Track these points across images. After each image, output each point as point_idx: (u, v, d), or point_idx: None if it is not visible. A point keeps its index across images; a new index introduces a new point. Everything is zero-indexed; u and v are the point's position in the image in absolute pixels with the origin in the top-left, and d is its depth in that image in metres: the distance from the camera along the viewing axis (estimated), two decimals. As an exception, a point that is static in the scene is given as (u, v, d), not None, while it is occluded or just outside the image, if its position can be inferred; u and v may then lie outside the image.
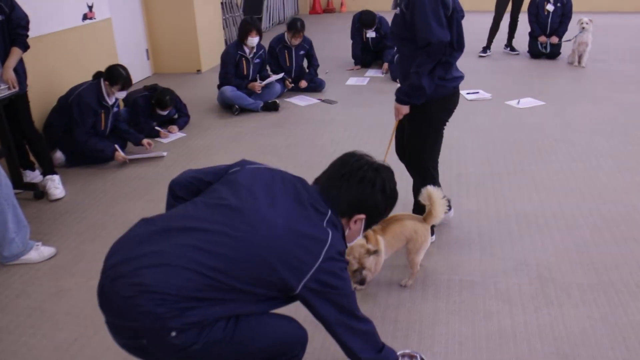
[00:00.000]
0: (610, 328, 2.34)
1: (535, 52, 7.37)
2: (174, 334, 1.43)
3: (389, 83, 6.34)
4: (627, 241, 2.99)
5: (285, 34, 5.85)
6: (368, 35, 6.84)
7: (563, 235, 3.07)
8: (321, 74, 6.41)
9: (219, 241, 1.47)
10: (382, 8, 11.55)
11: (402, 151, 3.04)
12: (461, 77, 2.75)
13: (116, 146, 4.21)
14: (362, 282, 2.38)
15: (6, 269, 2.91)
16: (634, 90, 5.83)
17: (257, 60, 5.57)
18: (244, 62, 5.46)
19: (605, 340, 2.28)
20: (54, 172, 3.80)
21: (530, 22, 7.25)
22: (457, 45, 2.64)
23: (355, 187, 1.63)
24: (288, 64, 5.96)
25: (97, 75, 4.15)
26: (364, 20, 6.68)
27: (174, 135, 4.86)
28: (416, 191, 2.97)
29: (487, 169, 3.95)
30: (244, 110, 5.40)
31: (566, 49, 7.24)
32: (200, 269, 1.44)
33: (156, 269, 1.43)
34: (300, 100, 5.79)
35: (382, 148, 4.32)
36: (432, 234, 2.90)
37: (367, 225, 1.75)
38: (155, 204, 3.56)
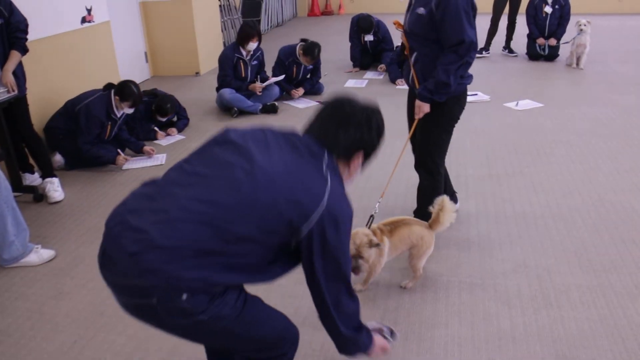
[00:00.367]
0: (609, 330, 2.35)
1: (533, 54, 7.39)
2: (184, 296, 1.40)
3: (387, 85, 6.35)
4: (626, 243, 2.99)
5: (300, 55, 5.75)
6: (366, 39, 6.86)
7: (562, 236, 3.08)
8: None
9: (222, 190, 1.45)
10: (380, 10, 11.62)
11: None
12: (472, 76, 2.82)
13: (118, 150, 4.23)
14: (354, 269, 2.38)
15: (6, 271, 2.92)
16: (632, 92, 5.85)
17: (255, 62, 5.58)
18: (242, 64, 5.46)
19: (604, 341, 2.28)
20: (53, 175, 3.80)
21: (529, 24, 7.28)
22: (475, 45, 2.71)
23: (353, 132, 1.62)
24: (294, 75, 5.95)
25: (108, 87, 4.17)
26: (361, 25, 6.69)
27: (173, 137, 4.86)
28: (421, 189, 3.01)
29: (486, 170, 3.96)
30: (242, 112, 5.40)
31: (564, 50, 7.26)
32: (206, 219, 1.41)
33: (161, 225, 1.41)
34: (299, 103, 5.79)
35: (382, 149, 4.33)
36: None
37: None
38: (155, 207, 3.56)
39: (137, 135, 4.61)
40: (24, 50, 3.53)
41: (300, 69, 5.90)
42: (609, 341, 2.28)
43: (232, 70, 5.44)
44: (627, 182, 3.71)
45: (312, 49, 5.70)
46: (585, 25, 6.73)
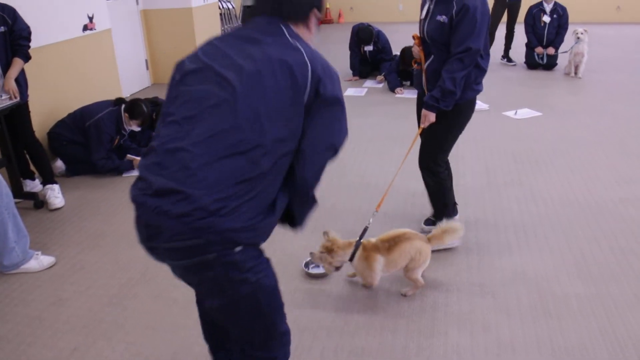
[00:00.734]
0: (608, 340, 2.35)
1: (532, 63, 7.43)
2: (238, 249, 1.47)
3: (387, 94, 6.38)
4: (625, 253, 3.00)
5: None
6: (366, 49, 6.91)
7: (561, 246, 3.09)
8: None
9: (221, 117, 1.44)
10: (380, 19, 11.68)
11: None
12: (482, 84, 2.86)
13: (129, 155, 4.33)
14: (317, 258, 2.56)
15: (6, 277, 2.92)
16: (631, 101, 5.88)
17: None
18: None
19: (603, 352, 2.28)
20: (53, 182, 3.81)
21: (527, 33, 7.33)
22: (486, 50, 2.75)
23: None
24: None
25: (119, 102, 4.23)
26: (361, 36, 6.73)
27: None
28: (428, 189, 3.08)
29: (485, 179, 3.97)
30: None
31: (563, 59, 7.30)
32: (227, 152, 1.43)
33: (190, 179, 1.41)
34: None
35: (381, 158, 4.35)
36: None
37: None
38: (155, 214, 3.56)
39: (138, 142, 4.63)
40: (26, 58, 3.55)
41: None
42: (608, 352, 2.28)
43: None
44: (626, 192, 3.72)
45: None
46: (582, 33, 6.77)
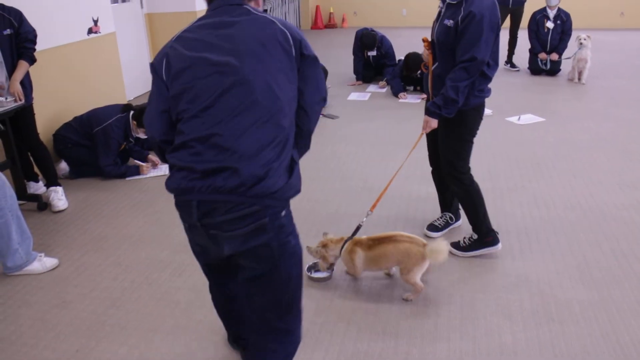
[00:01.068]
0: (611, 346, 2.34)
1: (535, 69, 7.44)
2: (284, 212, 1.65)
3: (390, 98, 6.39)
4: (628, 258, 3.00)
5: None
6: (369, 54, 6.93)
7: (564, 251, 3.08)
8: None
9: (235, 96, 1.56)
10: (384, 24, 11.71)
11: (436, 161, 3.12)
12: (490, 90, 2.85)
13: (136, 162, 4.34)
14: (314, 253, 2.79)
15: (9, 279, 2.93)
16: (634, 107, 5.87)
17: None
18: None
19: (606, 357, 2.28)
20: (57, 184, 3.83)
21: (531, 38, 7.33)
22: (494, 59, 2.76)
23: None
24: None
25: (127, 108, 4.25)
26: (364, 42, 6.76)
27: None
28: (458, 199, 3.06)
29: (488, 184, 3.97)
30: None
31: (566, 65, 7.31)
32: (256, 123, 1.56)
33: (234, 156, 1.54)
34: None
35: (384, 162, 4.35)
36: (497, 242, 3.02)
37: None
38: (159, 216, 3.58)
39: (141, 145, 4.64)
40: (32, 60, 3.57)
41: None
42: (610, 357, 2.28)
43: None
44: (628, 197, 3.72)
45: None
46: (585, 39, 6.78)
